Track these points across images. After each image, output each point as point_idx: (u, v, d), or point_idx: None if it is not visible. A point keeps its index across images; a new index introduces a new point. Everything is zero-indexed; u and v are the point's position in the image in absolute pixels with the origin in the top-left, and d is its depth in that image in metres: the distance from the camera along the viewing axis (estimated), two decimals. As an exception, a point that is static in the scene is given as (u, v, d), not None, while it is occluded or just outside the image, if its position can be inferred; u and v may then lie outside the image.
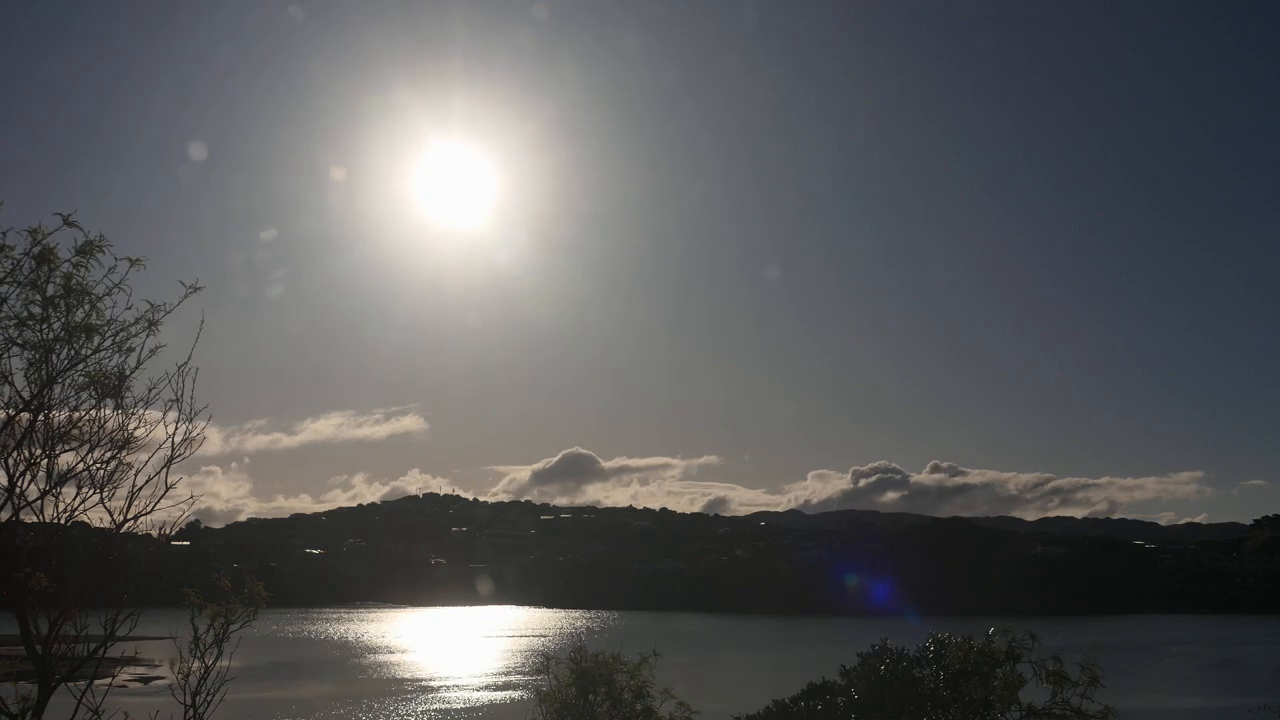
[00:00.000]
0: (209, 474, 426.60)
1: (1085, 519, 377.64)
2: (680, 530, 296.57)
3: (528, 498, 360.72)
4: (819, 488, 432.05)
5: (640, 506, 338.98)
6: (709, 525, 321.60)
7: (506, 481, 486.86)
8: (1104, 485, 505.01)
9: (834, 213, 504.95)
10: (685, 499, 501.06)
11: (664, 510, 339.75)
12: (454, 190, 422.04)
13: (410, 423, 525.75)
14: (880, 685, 20.51)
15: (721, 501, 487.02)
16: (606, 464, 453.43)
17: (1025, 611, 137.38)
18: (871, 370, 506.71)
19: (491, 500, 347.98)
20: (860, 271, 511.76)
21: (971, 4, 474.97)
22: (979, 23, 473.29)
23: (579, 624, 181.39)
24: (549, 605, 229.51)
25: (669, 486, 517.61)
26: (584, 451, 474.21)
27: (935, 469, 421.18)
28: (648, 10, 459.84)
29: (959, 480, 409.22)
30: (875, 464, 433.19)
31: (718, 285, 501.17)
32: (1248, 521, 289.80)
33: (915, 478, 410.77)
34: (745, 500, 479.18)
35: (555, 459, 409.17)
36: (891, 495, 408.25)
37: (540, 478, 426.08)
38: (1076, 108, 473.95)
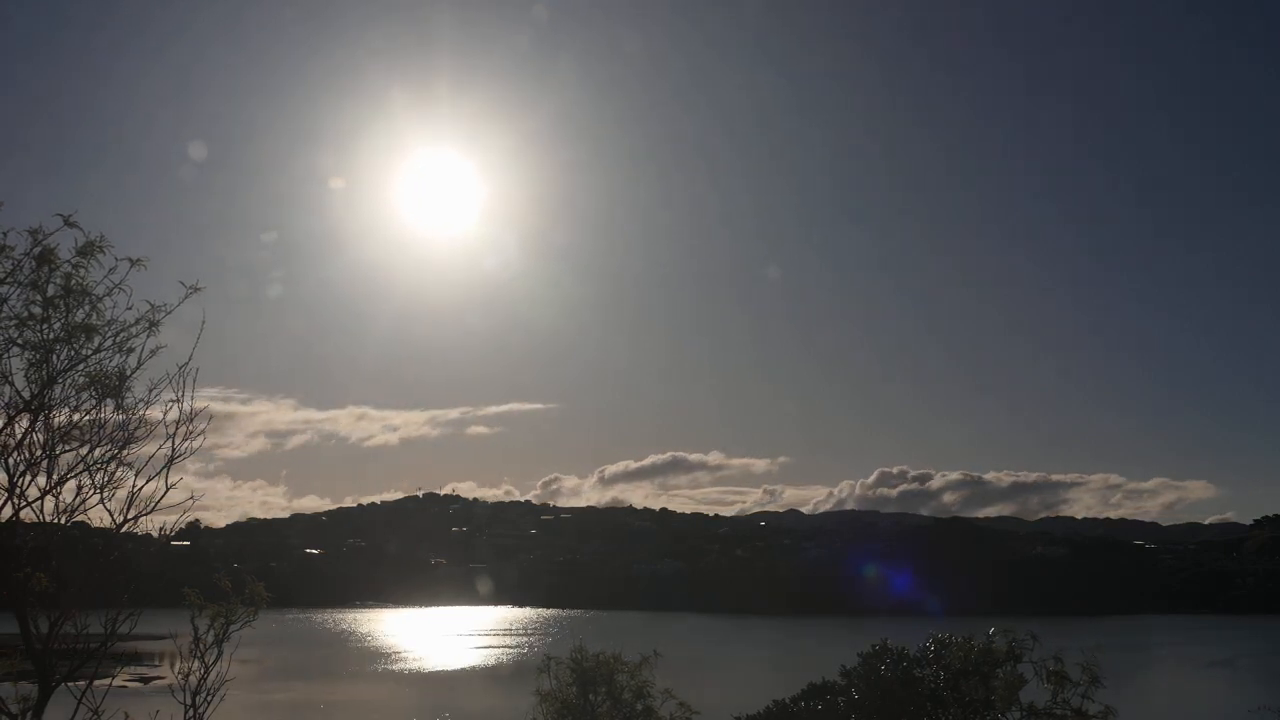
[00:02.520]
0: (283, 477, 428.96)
1: (1085, 519, 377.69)
2: (680, 530, 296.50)
3: (628, 500, 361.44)
4: (880, 486, 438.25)
5: (650, 508, 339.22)
6: (709, 525, 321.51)
7: (592, 483, 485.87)
8: (1191, 488, 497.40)
9: (836, 215, 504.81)
10: (752, 499, 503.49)
11: (664, 510, 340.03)
12: (451, 191, 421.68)
13: (498, 424, 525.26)
14: (881, 685, 20.53)
15: (793, 500, 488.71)
16: (708, 460, 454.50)
17: (1025, 611, 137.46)
18: (935, 372, 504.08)
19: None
20: (865, 274, 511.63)
21: (969, 7, 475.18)
22: (977, 26, 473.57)
23: (579, 624, 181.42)
24: (549, 605, 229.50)
25: (743, 486, 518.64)
26: (686, 455, 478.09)
27: (1011, 472, 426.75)
28: (644, 14, 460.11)
29: (1032, 480, 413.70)
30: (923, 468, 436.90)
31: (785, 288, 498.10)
32: (1248, 521, 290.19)
33: (986, 477, 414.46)
34: (820, 499, 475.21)
35: (662, 458, 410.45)
36: (952, 496, 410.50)
37: (634, 475, 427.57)
38: (1074, 112, 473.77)
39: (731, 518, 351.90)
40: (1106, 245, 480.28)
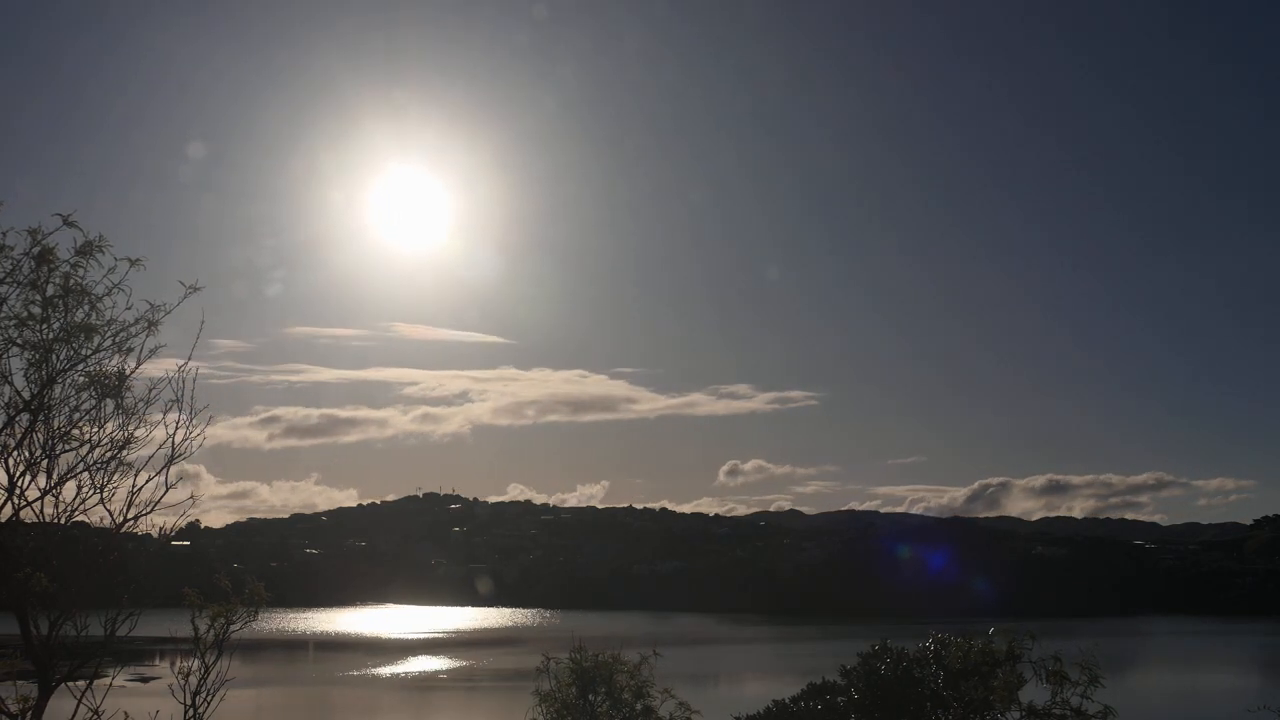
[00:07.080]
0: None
1: (1085, 519, 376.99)
2: (680, 530, 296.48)
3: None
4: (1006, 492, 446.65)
5: (643, 507, 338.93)
6: (709, 525, 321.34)
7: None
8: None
9: (836, 217, 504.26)
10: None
11: (664, 510, 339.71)
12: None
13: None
14: (880, 685, 20.54)
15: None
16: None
17: (1025, 611, 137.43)
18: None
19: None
20: (863, 275, 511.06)
21: (971, 11, 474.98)
22: (977, 30, 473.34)
23: (579, 624, 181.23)
24: (549, 606, 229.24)
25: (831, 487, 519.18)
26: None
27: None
28: (644, 13, 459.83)
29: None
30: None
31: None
32: (1248, 521, 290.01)
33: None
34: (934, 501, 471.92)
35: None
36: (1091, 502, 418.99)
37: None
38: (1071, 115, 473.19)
39: (731, 517, 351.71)
40: (1091, 251, 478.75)
